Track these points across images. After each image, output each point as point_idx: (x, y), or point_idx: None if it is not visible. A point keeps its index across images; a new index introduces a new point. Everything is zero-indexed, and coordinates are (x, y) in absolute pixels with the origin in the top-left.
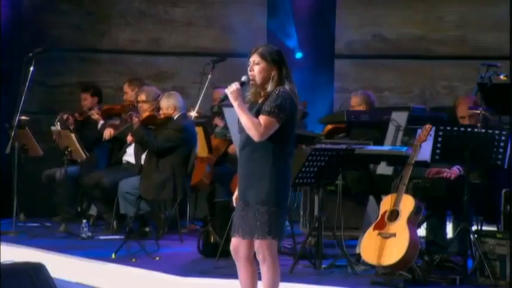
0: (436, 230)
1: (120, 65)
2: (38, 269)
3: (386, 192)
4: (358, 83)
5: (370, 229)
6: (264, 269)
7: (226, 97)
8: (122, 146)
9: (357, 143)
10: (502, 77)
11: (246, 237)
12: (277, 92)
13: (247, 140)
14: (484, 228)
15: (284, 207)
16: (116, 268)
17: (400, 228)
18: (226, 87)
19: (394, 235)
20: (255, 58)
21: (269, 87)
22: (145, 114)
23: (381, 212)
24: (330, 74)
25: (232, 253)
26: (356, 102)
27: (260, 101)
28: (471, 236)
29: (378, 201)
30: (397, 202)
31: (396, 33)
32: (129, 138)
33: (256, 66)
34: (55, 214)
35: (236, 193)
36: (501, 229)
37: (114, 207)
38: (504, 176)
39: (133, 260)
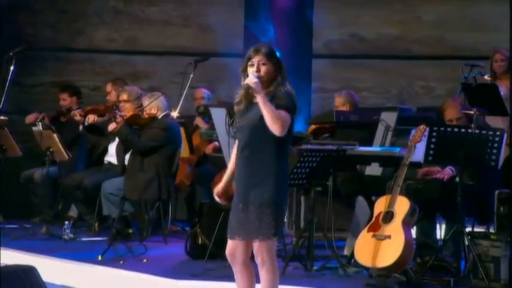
0: (427, 231)
1: (95, 64)
2: (29, 272)
3: (377, 193)
4: (336, 83)
5: (365, 231)
6: (263, 272)
7: (248, 89)
8: (101, 146)
9: (346, 144)
10: (486, 77)
11: (247, 240)
12: (283, 91)
13: (248, 140)
14: (475, 229)
15: (285, 208)
16: (104, 271)
17: (395, 230)
18: (205, 87)
19: (389, 237)
20: (260, 58)
21: (272, 87)
22: (129, 114)
23: (375, 213)
24: (308, 74)
25: (229, 257)
26: (340, 102)
27: (256, 101)
28: (465, 238)
29: (369, 202)
30: (391, 203)
31: (374, 33)
32: (111, 126)
33: (262, 67)
34: (33, 215)
35: (217, 190)
36: (493, 230)
37: (96, 209)
38: (494, 177)
39: (121, 262)
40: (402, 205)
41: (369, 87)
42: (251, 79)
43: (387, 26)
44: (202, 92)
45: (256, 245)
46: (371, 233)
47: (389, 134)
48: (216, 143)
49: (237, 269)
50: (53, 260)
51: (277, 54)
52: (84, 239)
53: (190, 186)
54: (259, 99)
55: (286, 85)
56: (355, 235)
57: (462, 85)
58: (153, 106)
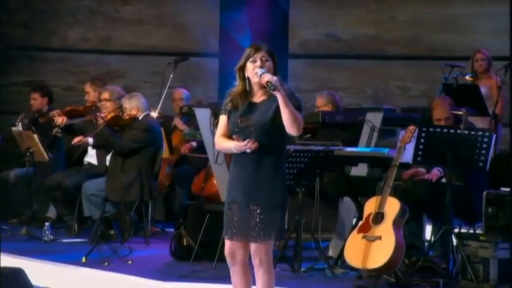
0: (415, 232)
1: (69, 63)
2: (17, 274)
3: (363, 194)
4: (311, 83)
5: (355, 232)
6: (260, 273)
7: (272, 85)
8: (80, 147)
9: (330, 145)
10: (467, 77)
11: (247, 241)
12: (291, 92)
13: (257, 141)
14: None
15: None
16: (90, 273)
17: (385, 231)
18: (181, 87)
19: (379, 238)
20: (263, 55)
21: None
22: (110, 115)
23: (365, 214)
24: (284, 74)
25: (228, 258)
26: (321, 103)
27: (260, 100)
28: (453, 239)
29: (356, 203)
30: (381, 204)
31: (350, 33)
32: (76, 140)
33: (266, 63)
34: (10, 217)
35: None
36: (481, 231)
37: (76, 210)
38: (480, 177)
39: (106, 263)
40: (392, 206)
41: (345, 87)
42: (271, 76)
43: (363, 26)
44: (181, 92)
45: (255, 246)
46: (361, 234)
47: (375, 134)
48: (193, 143)
49: (236, 270)
50: (36, 262)
51: None
52: (64, 240)
53: (169, 186)
54: (282, 98)
55: (285, 86)
56: (340, 236)
57: (443, 86)
58: (134, 107)
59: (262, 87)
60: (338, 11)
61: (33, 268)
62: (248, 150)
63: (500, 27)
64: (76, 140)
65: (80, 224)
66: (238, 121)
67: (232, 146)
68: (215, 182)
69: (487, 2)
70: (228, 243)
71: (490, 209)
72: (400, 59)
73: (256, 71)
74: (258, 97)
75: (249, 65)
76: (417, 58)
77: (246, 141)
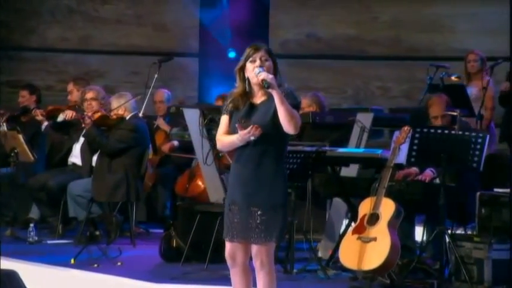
0: (407, 233)
1: (48, 63)
2: (11, 276)
3: (355, 195)
4: (292, 83)
5: (349, 233)
6: (261, 275)
7: (267, 83)
8: (62, 148)
9: (320, 145)
10: (453, 77)
11: (248, 242)
12: (290, 91)
13: (258, 141)
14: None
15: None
16: (80, 274)
17: (380, 232)
18: (164, 86)
19: (374, 239)
20: (262, 54)
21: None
22: (97, 115)
23: (360, 215)
24: None
25: (229, 260)
26: (306, 104)
27: (260, 101)
28: (447, 240)
29: (348, 203)
30: (376, 205)
31: (330, 33)
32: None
33: (266, 63)
34: None
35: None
36: (475, 232)
37: (60, 211)
38: (472, 178)
39: (96, 265)
40: (387, 207)
41: (325, 88)
42: (267, 75)
43: (343, 27)
44: (163, 93)
45: (256, 248)
46: (356, 235)
47: (365, 135)
48: (175, 142)
49: (236, 272)
50: (25, 264)
51: None
52: (49, 241)
53: (152, 187)
54: (277, 96)
55: (285, 83)
56: (330, 237)
57: (429, 86)
58: (122, 106)
59: (262, 87)
60: (319, 11)
61: (22, 270)
62: (252, 138)
63: (480, 27)
64: None
65: (63, 225)
66: (239, 122)
67: (235, 137)
68: (199, 182)
69: (466, 2)
70: (228, 245)
71: (483, 210)
72: (380, 59)
73: (254, 71)
74: (258, 98)
75: (249, 65)
76: (398, 58)
77: (249, 129)
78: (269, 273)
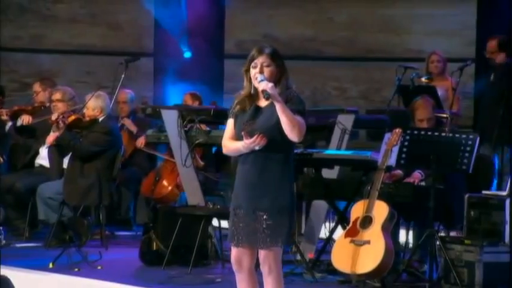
0: (393, 236)
1: (0, 62)
2: (3, 283)
3: (340, 197)
4: None
5: (341, 236)
6: (269, 280)
7: (267, 94)
8: (28, 149)
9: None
10: (424, 79)
11: (255, 247)
12: (295, 95)
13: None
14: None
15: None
16: (64, 279)
17: (374, 235)
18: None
19: (368, 242)
20: (263, 60)
21: (277, 89)
22: (71, 118)
23: (352, 218)
24: (220, 74)
25: (235, 265)
26: None
27: (265, 104)
28: (437, 243)
29: (333, 206)
30: (369, 208)
31: (287, 34)
32: (49, 140)
33: (266, 69)
34: None
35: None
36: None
37: (28, 213)
38: (458, 180)
39: (76, 269)
40: (381, 210)
41: None
42: (267, 83)
43: (300, 27)
44: (127, 93)
45: (264, 253)
46: (349, 239)
47: (346, 136)
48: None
49: (243, 277)
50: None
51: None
52: (18, 245)
53: (116, 188)
54: (278, 106)
55: (293, 87)
56: (310, 239)
57: (398, 87)
58: (98, 107)
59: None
60: (275, 11)
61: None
62: (257, 147)
63: (436, 28)
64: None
65: (30, 228)
66: (245, 125)
67: (241, 145)
68: (165, 183)
69: (422, 3)
70: (234, 250)
71: (472, 213)
72: (337, 60)
73: (256, 77)
74: (264, 101)
75: (251, 70)
76: (354, 59)
77: (254, 138)
78: (277, 280)
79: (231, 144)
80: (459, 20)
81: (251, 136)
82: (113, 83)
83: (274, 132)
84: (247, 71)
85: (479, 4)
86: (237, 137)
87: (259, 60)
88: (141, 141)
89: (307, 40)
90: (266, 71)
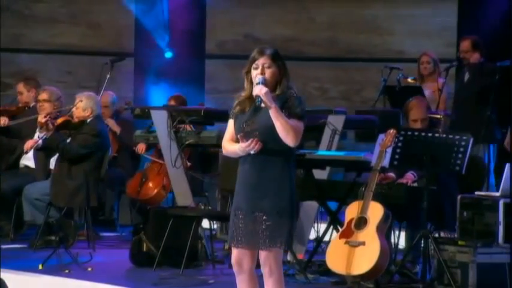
0: (386, 237)
1: None
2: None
3: (333, 198)
4: (229, 84)
5: (336, 237)
6: (270, 282)
7: (260, 101)
8: (13, 150)
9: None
10: (410, 79)
11: (255, 249)
12: (295, 96)
13: (262, 146)
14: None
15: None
16: (55, 281)
17: (369, 237)
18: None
19: (363, 243)
20: (264, 61)
21: (278, 90)
22: (60, 120)
23: (346, 219)
24: (201, 75)
25: (235, 266)
26: None
27: (264, 105)
28: (430, 243)
29: (325, 207)
30: (364, 209)
31: (268, 34)
32: (28, 145)
33: (268, 70)
34: None
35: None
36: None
37: (13, 215)
38: (450, 181)
39: (67, 271)
40: (376, 211)
41: None
42: (261, 89)
43: (281, 27)
44: (109, 95)
45: (265, 254)
46: (343, 240)
47: (336, 137)
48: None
49: (243, 279)
50: None
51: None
52: (3, 246)
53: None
54: (272, 111)
55: (294, 88)
56: (299, 240)
57: (384, 87)
58: (88, 107)
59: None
60: (256, 11)
61: None
62: (252, 152)
63: (417, 28)
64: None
65: (15, 230)
66: (244, 125)
67: (237, 148)
68: (151, 185)
69: (403, 3)
70: (234, 251)
71: (465, 214)
72: (318, 60)
73: (255, 79)
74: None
75: (252, 71)
76: (335, 59)
77: (249, 142)
78: (278, 281)
79: (229, 146)
80: (440, 21)
81: (250, 137)
82: (95, 83)
83: (274, 131)
84: (248, 72)
85: (460, 5)
86: (237, 138)
87: (261, 62)
88: (141, 148)
89: (288, 40)
90: (267, 72)
